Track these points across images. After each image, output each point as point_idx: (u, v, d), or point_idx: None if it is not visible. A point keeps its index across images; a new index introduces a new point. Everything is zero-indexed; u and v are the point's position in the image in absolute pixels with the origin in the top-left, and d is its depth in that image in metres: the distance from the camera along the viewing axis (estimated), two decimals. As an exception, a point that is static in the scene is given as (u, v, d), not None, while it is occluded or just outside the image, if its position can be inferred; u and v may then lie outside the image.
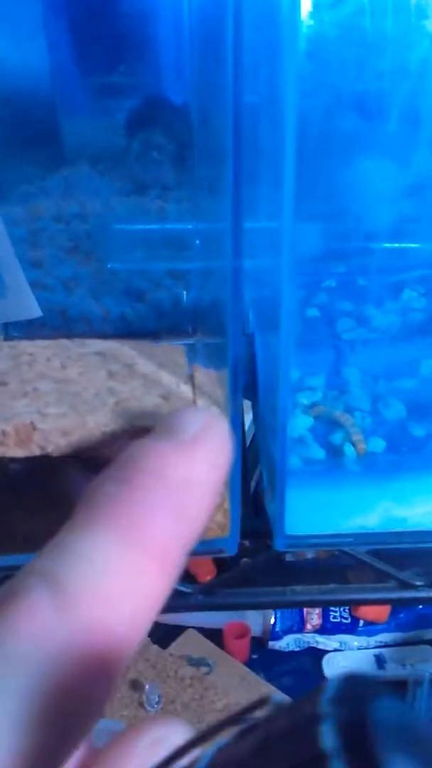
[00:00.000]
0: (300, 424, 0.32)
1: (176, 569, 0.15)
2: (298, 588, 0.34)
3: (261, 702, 0.12)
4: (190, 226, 0.54)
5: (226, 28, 0.23)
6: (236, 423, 0.28)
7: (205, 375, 0.31)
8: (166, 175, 0.64)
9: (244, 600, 0.34)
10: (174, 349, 0.34)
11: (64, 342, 0.33)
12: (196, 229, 0.53)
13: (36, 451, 0.26)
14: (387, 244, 0.46)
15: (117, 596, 0.14)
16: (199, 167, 0.52)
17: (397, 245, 0.46)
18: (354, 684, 0.12)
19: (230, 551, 0.30)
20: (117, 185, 0.63)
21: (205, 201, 0.48)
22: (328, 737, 0.11)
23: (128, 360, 0.32)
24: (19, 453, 0.26)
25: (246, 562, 0.34)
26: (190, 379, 0.30)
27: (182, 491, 0.16)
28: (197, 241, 0.53)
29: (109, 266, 0.54)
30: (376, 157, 0.47)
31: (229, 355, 0.27)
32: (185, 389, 0.30)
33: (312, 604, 0.39)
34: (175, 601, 0.34)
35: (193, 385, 0.30)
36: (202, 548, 0.30)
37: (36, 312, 0.48)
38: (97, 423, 0.27)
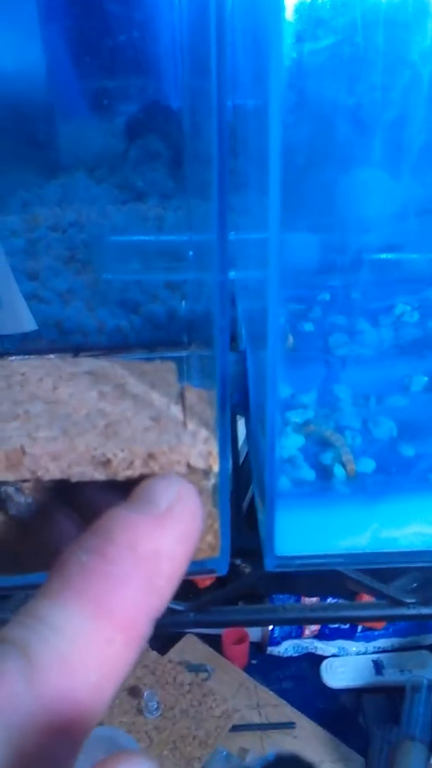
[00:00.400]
0: (291, 443, 0.32)
1: (143, 638, 0.16)
2: (290, 605, 0.34)
3: None
4: (185, 237, 0.54)
5: (210, 35, 0.23)
6: (225, 441, 0.28)
7: (195, 395, 0.31)
8: (164, 183, 0.64)
9: (236, 617, 0.34)
10: (165, 367, 0.34)
11: (56, 361, 0.33)
12: (191, 239, 0.54)
13: (26, 475, 0.27)
14: (381, 255, 0.46)
15: (84, 667, 0.15)
16: (190, 176, 0.52)
17: (390, 256, 0.46)
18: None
19: (221, 571, 0.30)
20: (114, 193, 0.63)
21: (197, 210, 0.48)
22: None
23: (119, 380, 0.32)
24: (9, 477, 0.26)
25: (237, 581, 0.34)
26: (181, 400, 0.31)
27: (151, 564, 0.17)
28: (190, 252, 0.54)
29: (104, 277, 0.54)
30: (368, 169, 0.47)
31: (217, 371, 0.27)
32: (175, 410, 0.30)
33: (304, 621, 0.39)
34: (168, 619, 0.34)
35: (184, 406, 0.30)
36: (193, 568, 0.30)
37: (31, 325, 0.48)
38: (87, 446, 0.27)
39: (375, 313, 0.42)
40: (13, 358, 0.34)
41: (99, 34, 0.56)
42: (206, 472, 0.28)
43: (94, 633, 0.15)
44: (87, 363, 0.33)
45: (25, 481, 0.30)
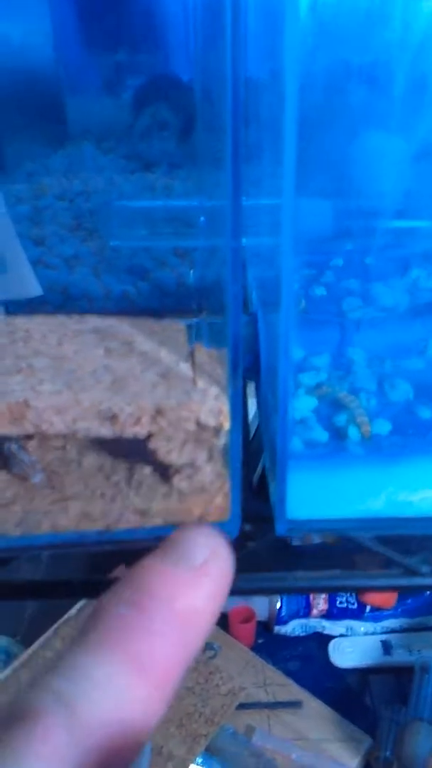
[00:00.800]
0: (303, 405, 0.31)
1: (176, 688, 0.17)
2: (302, 574, 0.33)
3: None
4: (195, 203, 0.53)
5: (225, 6, 0.23)
6: (236, 401, 0.27)
7: (205, 354, 0.30)
8: (173, 152, 0.63)
9: (246, 585, 0.33)
10: (175, 327, 0.33)
11: (62, 318, 0.32)
12: (201, 206, 0.52)
13: (30, 430, 0.26)
14: (394, 222, 0.45)
15: (124, 721, 0.16)
16: (202, 143, 0.51)
17: (404, 222, 0.45)
18: None
19: (231, 535, 0.29)
20: (122, 163, 0.63)
21: (210, 177, 0.47)
22: None
23: (127, 337, 0.31)
24: (12, 431, 0.26)
25: (251, 546, 0.33)
26: (191, 358, 0.30)
27: (187, 621, 0.17)
28: (201, 218, 0.52)
29: (112, 244, 0.53)
30: (381, 132, 0.45)
31: (229, 334, 0.26)
32: (185, 368, 0.29)
33: (316, 590, 0.39)
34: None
35: (194, 364, 0.29)
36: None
37: (37, 290, 0.47)
38: (92, 401, 0.26)
39: (389, 278, 0.41)
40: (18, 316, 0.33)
41: (108, 5, 0.55)
42: (217, 430, 0.27)
43: (135, 690, 0.16)
44: (93, 321, 0.32)
45: (28, 438, 0.29)
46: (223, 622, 0.99)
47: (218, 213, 0.49)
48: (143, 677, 0.16)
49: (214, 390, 0.27)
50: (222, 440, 0.27)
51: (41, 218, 0.57)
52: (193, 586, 0.18)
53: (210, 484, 0.28)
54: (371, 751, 0.84)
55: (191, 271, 0.53)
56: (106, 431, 0.26)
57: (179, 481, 0.28)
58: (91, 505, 0.28)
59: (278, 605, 1.00)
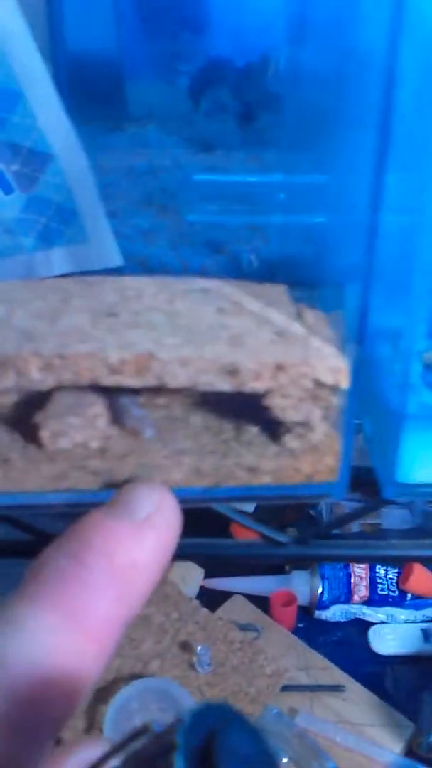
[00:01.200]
0: (415, 369, 0.31)
1: (114, 644, 0.17)
2: (396, 542, 0.33)
3: (142, 730, 0.15)
4: (276, 178, 0.52)
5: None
6: (357, 362, 0.27)
7: (313, 315, 0.30)
8: (233, 135, 0.64)
9: (337, 552, 0.33)
10: (277, 290, 0.33)
11: (167, 279, 0.32)
12: (283, 182, 0.52)
13: (152, 382, 0.26)
14: None
15: (53, 670, 0.15)
16: (292, 125, 0.51)
17: None
18: (208, 715, 0.14)
19: (337, 496, 0.29)
20: (185, 144, 0.63)
21: (304, 156, 0.48)
22: (179, 764, 0.12)
23: (235, 298, 0.31)
24: (135, 382, 0.26)
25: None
26: (300, 318, 0.29)
27: (127, 575, 0.17)
28: (281, 195, 0.52)
29: (188, 219, 0.53)
30: None
31: (358, 299, 0.26)
32: (296, 327, 0.29)
33: (408, 559, 0.38)
34: (269, 551, 0.33)
35: (304, 324, 0.29)
36: (305, 492, 0.29)
37: (118, 260, 0.47)
38: (215, 354, 0.26)
39: None
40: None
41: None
42: (334, 389, 0.27)
43: (67, 641, 0.16)
44: (199, 282, 0.32)
45: (137, 392, 0.29)
46: (264, 605, 1.00)
47: (306, 190, 0.49)
48: (79, 633, 0.16)
49: (330, 349, 0.27)
50: (337, 400, 0.27)
51: (109, 194, 0.57)
52: (134, 540, 0.18)
53: (321, 444, 0.28)
54: (414, 737, 0.84)
55: (264, 246, 0.53)
56: (225, 386, 0.26)
57: (290, 440, 0.28)
58: (203, 461, 0.28)
59: (320, 590, 1.00)
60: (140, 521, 0.18)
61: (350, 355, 0.27)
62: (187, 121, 0.64)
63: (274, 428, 0.29)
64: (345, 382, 0.27)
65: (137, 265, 0.49)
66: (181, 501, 0.29)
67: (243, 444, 0.29)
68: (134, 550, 0.17)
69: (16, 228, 0.46)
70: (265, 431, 0.29)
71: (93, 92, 0.57)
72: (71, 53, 0.58)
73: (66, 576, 0.17)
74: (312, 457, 0.28)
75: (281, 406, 0.27)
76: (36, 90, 0.41)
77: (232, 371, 0.26)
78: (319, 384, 0.27)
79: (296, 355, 0.27)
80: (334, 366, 0.26)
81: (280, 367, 0.26)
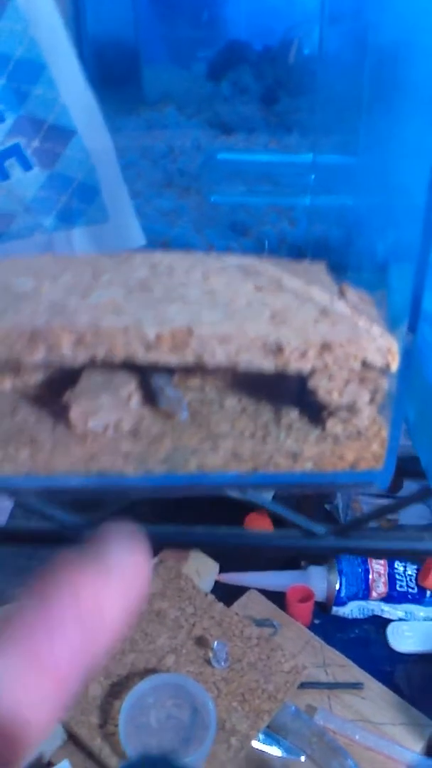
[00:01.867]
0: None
1: (75, 685, 0.17)
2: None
3: None
4: (306, 158, 0.51)
5: None
6: (408, 345, 0.25)
7: (356, 295, 0.28)
8: (254, 118, 0.63)
9: (377, 545, 0.32)
10: (316, 268, 0.31)
11: (199, 255, 0.30)
12: (314, 163, 0.50)
13: (190, 359, 0.24)
14: None
15: (11, 709, 0.16)
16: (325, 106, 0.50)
17: None
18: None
19: (381, 485, 0.27)
20: (204, 127, 0.62)
21: (331, 138, 0.46)
22: None
23: (273, 275, 0.29)
24: (171, 359, 0.24)
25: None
26: (343, 297, 0.28)
27: (93, 620, 0.18)
28: (312, 176, 0.50)
29: (211, 200, 0.51)
30: None
31: (415, 279, 0.25)
32: (340, 306, 0.27)
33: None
34: (306, 542, 0.31)
35: (348, 303, 0.27)
36: (347, 480, 0.28)
37: (140, 240, 0.46)
38: (257, 332, 0.24)
39: None
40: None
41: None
42: (383, 371, 0.25)
43: (29, 683, 0.16)
44: (233, 259, 0.30)
45: (171, 372, 0.27)
46: (281, 601, 0.98)
47: (335, 171, 0.47)
48: (41, 674, 0.17)
49: (378, 329, 0.25)
50: (386, 382, 0.26)
51: (128, 175, 0.56)
52: (102, 586, 0.18)
53: (367, 430, 0.26)
54: (434, 737, 0.82)
55: (292, 228, 0.51)
56: (268, 365, 0.25)
57: (334, 425, 0.26)
58: (241, 445, 0.26)
59: (337, 586, 0.99)
60: (109, 568, 0.19)
61: (399, 336, 0.26)
62: (207, 104, 0.63)
63: (316, 412, 0.27)
64: (395, 364, 0.25)
65: (160, 246, 0.47)
66: (218, 487, 0.28)
67: (283, 428, 0.27)
68: (101, 597, 0.18)
69: (35, 206, 0.44)
70: (305, 415, 0.27)
71: (111, 76, 0.56)
72: (90, 37, 0.57)
73: (36, 623, 0.17)
74: (358, 443, 0.26)
75: (326, 389, 0.25)
76: (60, 62, 0.39)
77: (276, 350, 0.24)
78: (366, 365, 0.25)
79: (343, 334, 0.25)
80: (383, 346, 0.25)
81: (326, 347, 0.24)
